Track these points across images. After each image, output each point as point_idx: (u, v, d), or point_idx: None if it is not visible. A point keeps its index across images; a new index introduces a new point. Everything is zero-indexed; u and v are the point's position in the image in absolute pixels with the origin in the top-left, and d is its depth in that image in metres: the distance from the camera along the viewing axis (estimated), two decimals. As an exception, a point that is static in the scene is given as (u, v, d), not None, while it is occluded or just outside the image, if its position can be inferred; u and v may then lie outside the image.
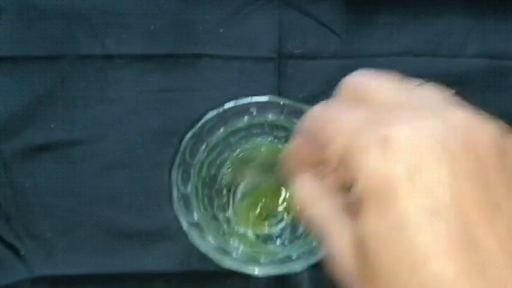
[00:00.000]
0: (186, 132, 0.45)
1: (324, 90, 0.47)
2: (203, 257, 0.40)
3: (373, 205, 0.22)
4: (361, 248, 0.23)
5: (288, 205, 0.44)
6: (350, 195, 0.24)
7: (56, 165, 0.45)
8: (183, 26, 0.48)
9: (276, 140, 0.44)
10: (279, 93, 0.47)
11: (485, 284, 0.21)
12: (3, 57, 0.47)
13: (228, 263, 0.39)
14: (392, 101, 0.25)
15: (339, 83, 0.27)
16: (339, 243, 0.25)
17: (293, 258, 0.40)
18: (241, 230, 0.43)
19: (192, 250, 0.42)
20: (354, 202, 0.23)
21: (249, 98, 0.42)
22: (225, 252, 0.40)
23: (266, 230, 0.44)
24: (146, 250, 0.44)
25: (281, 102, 0.42)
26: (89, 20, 0.47)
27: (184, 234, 0.42)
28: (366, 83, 0.26)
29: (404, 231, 0.21)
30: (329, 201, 0.27)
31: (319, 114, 0.26)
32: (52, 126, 0.46)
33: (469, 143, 0.22)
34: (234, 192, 0.44)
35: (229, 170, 0.44)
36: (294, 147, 0.29)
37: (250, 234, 0.43)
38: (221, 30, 0.48)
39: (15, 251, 0.43)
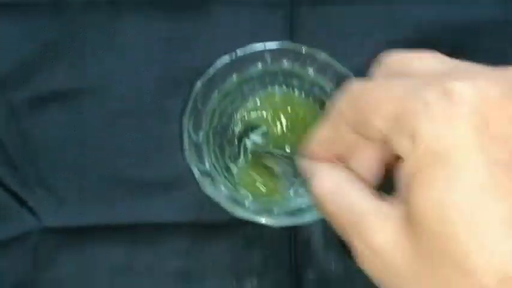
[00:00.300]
0: (196, 80, 0.44)
1: (337, 38, 0.46)
2: (215, 207, 0.39)
3: (437, 172, 0.19)
4: (418, 227, 0.20)
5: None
6: (397, 171, 0.21)
7: (64, 115, 0.44)
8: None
9: (290, 89, 0.43)
10: (291, 40, 0.45)
11: None
12: (6, 3, 0.45)
13: (240, 213, 0.38)
14: (440, 70, 0.22)
15: (375, 59, 0.25)
16: (381, 230, 0.21)
17: (304, 209, 0.39)
18: (252, 181, 0.43)
19: (204, 200, 0.42)
20: (405, 176, 0.20)
21: (263, 44, 0.40)
22: (237, 202, 0.40)
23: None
24: (157, 200, 0.43)
25: (296, 49, 0.40)
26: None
27: (195, 184, 0.42)
28: (407, 56, 0.24)
29: (478, 201, 0.18)
30: (358, 188, 0.23)
31: (358, 88, 0.23)
32: (59, 75, 0.45)
33: None
34: (246, 143, 0.43)
35: (241, 119, 0.43)
36: (321, 131, 0.26)
37: (261, 186, 0.43)
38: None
39: (23, 202, 0.43)
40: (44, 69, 0.45)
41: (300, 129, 0.42)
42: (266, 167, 0.42)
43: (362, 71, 0.43)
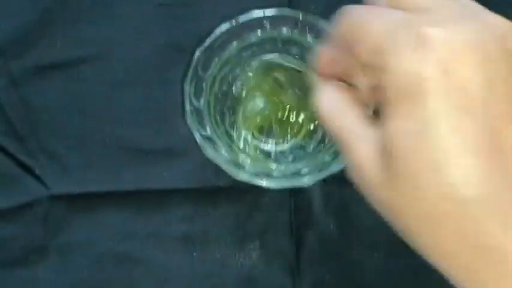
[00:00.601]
0: (196, 47, 0.44)
1: (338, 2, 0.45)
2: (218, 172, 0.40)
3: (402, 104, 0.22)
4: (387, 151, 0.23)
5: (299, 121, 0.43)
6: (377, 97, 0.25)
7: (66, 83, 0.44)
8: None
9: (289, 56, 0.43)
10: (290, 5, 0.45)
11: (505, 185, 0.22)
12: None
13: (241, 176, 0.39)
14: (431, 6, 0.24)
15: None
16: (362, 152, 0.25)
17: (303, 174, 0.40)
18: (251, 143, 0.43)
19: (207, 165, 0.42)
20: (380, 104, 0.24)
21: (262, 10, 0.40)
22: (237, 165, 0.40)
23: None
24: (160, 167, 0.44)
25: (295, 16, 0.40)
26: None
27: (197, 150, 0.42)
28: None
29: (432, 129, 0.22)
30: (351, 113, 0.27)
31: (352, 14, 0.26)
32: (59, 44, 0.45)
33: (508, 50, 0.22)
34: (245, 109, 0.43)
35: (241, 85, 0.43)
36: (322, 51, 0.29)
37: (260, 149, 0.43)
38: None
39: (30, 170, 0.43)
40: (43, 37, 0.45)
41: (299, 97, 0.43)
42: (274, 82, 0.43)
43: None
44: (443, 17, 0.23)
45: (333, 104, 0.27)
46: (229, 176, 0.39)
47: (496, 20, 0.23)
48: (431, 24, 0.22)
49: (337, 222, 0.43)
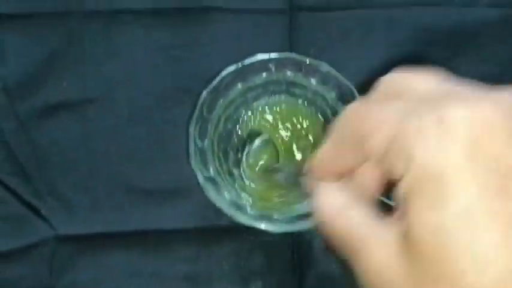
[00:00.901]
0: (199, 89, 0.45)
1: (336, 44, 0.47)
2: (220, 212, 0.40)
3: (430, 196, 0.20)
4: (413, 251, 0.20)
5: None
6: (395, 190, 0.22)
7: (72, 123, 0.45)
8: (191, -24, 0.47)
9: (293, 98, 0.44)
10: (291, 47, 0.46)
11: None
12: (11, 14, 0.46)
13: (241, 219, 0.40)
14: (436, 93, 0.22)
15: (376, 82, 0.25)
16: (381, 256, 0.21)
17: (304, 216, 0.40)
18: (253, 185, 0.44)
19: (210, 205, 0.43)
20: (400, 197, 0.21)
21: (268, 54, 0.41)
22: (239, 207, 0.41)
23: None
24: (164, 206, 0.44)
25: (300, 60, 0.41)
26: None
27: (201, 191, 0.43)
28: (406, 77, 0.24)
29: (468, 223, 0.19)
30: (359, 212, 0.24)
31: (357, 109, 0.24)
32: (64, 84, 0.46)
33: None
34: (249, 149, 0.44)
35: (246, 125, 0.44)
36: (324, 150, 0.26)
37: (261, 189, 0.44)
38: (230, -20, 0.47)
39: (37, 211, 0.44)
40: (49, 78, 0.46)
41: (302, 138, 0.44)
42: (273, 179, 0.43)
43: (362, 77, 0.45)
44: (457, 97, 0.21)
45: (336, 204, 0.24)
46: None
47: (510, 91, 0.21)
48: (447, 104, 0.20)
49: (339, 261, 0.44)
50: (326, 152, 0.26)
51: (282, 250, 0.44)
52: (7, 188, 0.44)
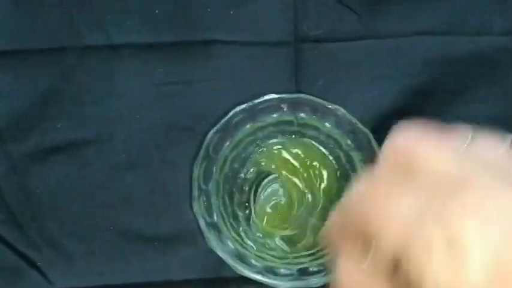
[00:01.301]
0: (199, 127, 0.43)
1: (344, 76, 0.45)
2: (223, 262, 0.39)
3: None
4: None
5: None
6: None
7: (67, 167, 0.43)
8: (189, 8, 0.45)
9: (306, 139, 0.42)
10: (296, 81, 0.44)
11: None
12: (1, 51, 0.44)
13: (245, 270, 0.38)
14: (445, 175, 0.21)
15: (384, 146, 0.24)
16: None
17: (311, 272, 0.39)
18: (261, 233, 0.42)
19: (214, 255, 0.41)
20: None
21: (280, 95, 0.40)
22: (243, 258, 0.39)
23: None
24: (168, 255, 0.42)
25: (315, 102, 0.40)
26: (88, 6, 0.44)
27: (204, 238, 0.41)
28: (413, 152, 0.23)
29: None
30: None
31: (363, 194, 0.24)
32: (59, 125, 0.43)
33: None
34: (256, 190, 0.42)
35: (254, 165, 0.42)
36: (332, 223, 0.26)
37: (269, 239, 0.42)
38: (231, 12, 0.45)
39: (32, 263, 0.41)
40: (43, 119, 0.43)
41: (313, 179, 0.42)
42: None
43: (372, 111, 0.43)
44: (465, 194, 0.20)
45: (356, 279, 0.24)
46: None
47: None
48: (456, 212, 0.19)
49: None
50: (336, 221, 0.26)
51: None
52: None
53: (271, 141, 0.42)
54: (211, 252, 0.40)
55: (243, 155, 0.42)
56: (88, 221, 0.42)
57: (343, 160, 0.41)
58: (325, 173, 0.42)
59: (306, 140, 0.42)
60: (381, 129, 0.40)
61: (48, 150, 0.43)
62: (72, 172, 0.43)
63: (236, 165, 0.42)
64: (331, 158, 0.42)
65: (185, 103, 0.44)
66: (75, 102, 0.44)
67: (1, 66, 0.44)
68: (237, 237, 0.40)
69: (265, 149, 0.42)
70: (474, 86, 0.45)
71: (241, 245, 0.40)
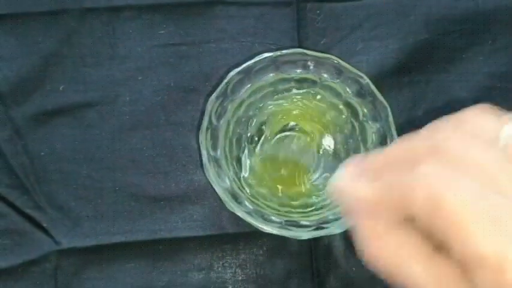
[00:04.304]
0: (204, 88, 0.43)
1: (347, 35, 0.45)
2: (235, 218, 0.39)
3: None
4: None
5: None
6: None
7: (71, 130, 0.43)
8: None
9: (305, 94, 0.42)
10: (299, 41, 0.44)
11: None
12: (2, 15, 0.43)
13: (235, 208, 0.38)
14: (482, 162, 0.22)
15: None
16: None
17: (302, 224, 0.39)
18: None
19: (222, 211, 0.41)
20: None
21: (274, 52, 0.40)
22: (235, 197, 0.39)
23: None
24: (174, 214, 0.42)
25: (308, 54, 0.40)
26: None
27: (212, 195, 0.41)
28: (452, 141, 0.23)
29: None
30: (415, 257, 0.23)
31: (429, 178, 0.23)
32: (62, 88, 0.43)
33: None
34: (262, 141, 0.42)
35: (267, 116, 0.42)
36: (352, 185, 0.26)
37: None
38: (235, -28, 0.45)
39: (38, 224, 0.41)
40: (45, 82, 0.43)
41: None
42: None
43: (374, 69, 0.43)
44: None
45: (392, 254, 0.24)
46: (246, 222, 0.38)
47: None
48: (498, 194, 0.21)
49: (359, 265, 0.42)
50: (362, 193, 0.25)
51: (301, 256, 0.42)
52: (5, 200, 0.41)
53: (291, 92, 0.42)
54: (221, 209, 0.40)
55: (260, 104, 0.42)
56: (94, 182, 0.42)
57: (357, 131, 0.41)
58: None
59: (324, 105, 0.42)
60: (383, 88, 0.40)
61: (51, 113, 0.43)
62: (76, 134, 0.43)
63: (251, 112, 0.42)
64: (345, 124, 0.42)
65: (189, 64, 0.44)
66: (77, 65, 0.43)
67: (2, 30, 0.43)
68: (236, 179, 0.40)
69: (282, 101, 0.42)
70: (475, 43, 0.45)
71: (238, 187, 0.40)
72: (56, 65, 0.43)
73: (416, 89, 0.44)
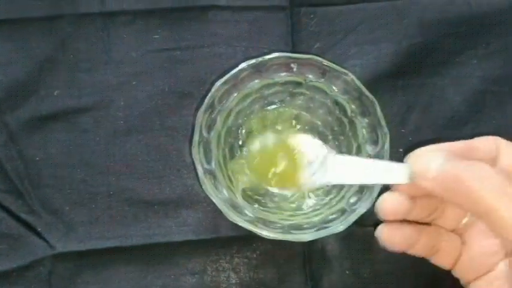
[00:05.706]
0: (199, 93, 0.43)
1: (341, 39, 0.45)
2: (227, 222, 0.38)
3: None
4: None
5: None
6: None
7: (65, 135, 0.43)
8: (187, -27, 0.45)
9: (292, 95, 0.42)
10: (293, 45, 0.45)
11: None
12: (-2, 20, 0.43)
13: (236, 218, 0.37)
14: None
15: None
16: None
17: (304, 227, 0.39)
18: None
19: (216, 215, 0.41)
20: None
21: (289, 53, 0.39)
22: (235, 206, 0.39)
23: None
24: (169, 218, 0.42)
25: (290, 56, 0.39)
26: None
27: (205, 199, 0.41)
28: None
29: None
30: None
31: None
32: (56, 93, 0.43)
33: None
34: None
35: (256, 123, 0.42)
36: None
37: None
38: (229, -23, 0.45)
39: (32, 228, 0.41)
40: (40, 87, 0.43)
41: None
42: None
43: (369, 73, 0.43)
44: None
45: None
46: (241, 227, 0.37)
47: None
48: None
49: (352, 267, 0.42)
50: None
51: (295, 259, 0.42)
52: (0, 205, 0.42)
53: (278, 99, 0.42)
54: (214, 213, 0.40)
55: (248, 111, 0.41)
56: (89, 187, 0.42)
57: (347, 127, 0.41)
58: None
59: (311, 105, 0.42)
60: (377, 91, 0.40)
61: (46, 118, 0.43)
62: (71, 139, 0.43)
63: (240, 120, 0.42)
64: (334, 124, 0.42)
65: (184, 69, 0.44)
66: (72, 70, 0.44)
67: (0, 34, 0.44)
68: (233, 188, 0.40)
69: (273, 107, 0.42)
70: (469, 46, 0.45)
71: (234, 195, 0.39)
72: (51, 70, 0.43)
73: (411, 93, 0.44)
